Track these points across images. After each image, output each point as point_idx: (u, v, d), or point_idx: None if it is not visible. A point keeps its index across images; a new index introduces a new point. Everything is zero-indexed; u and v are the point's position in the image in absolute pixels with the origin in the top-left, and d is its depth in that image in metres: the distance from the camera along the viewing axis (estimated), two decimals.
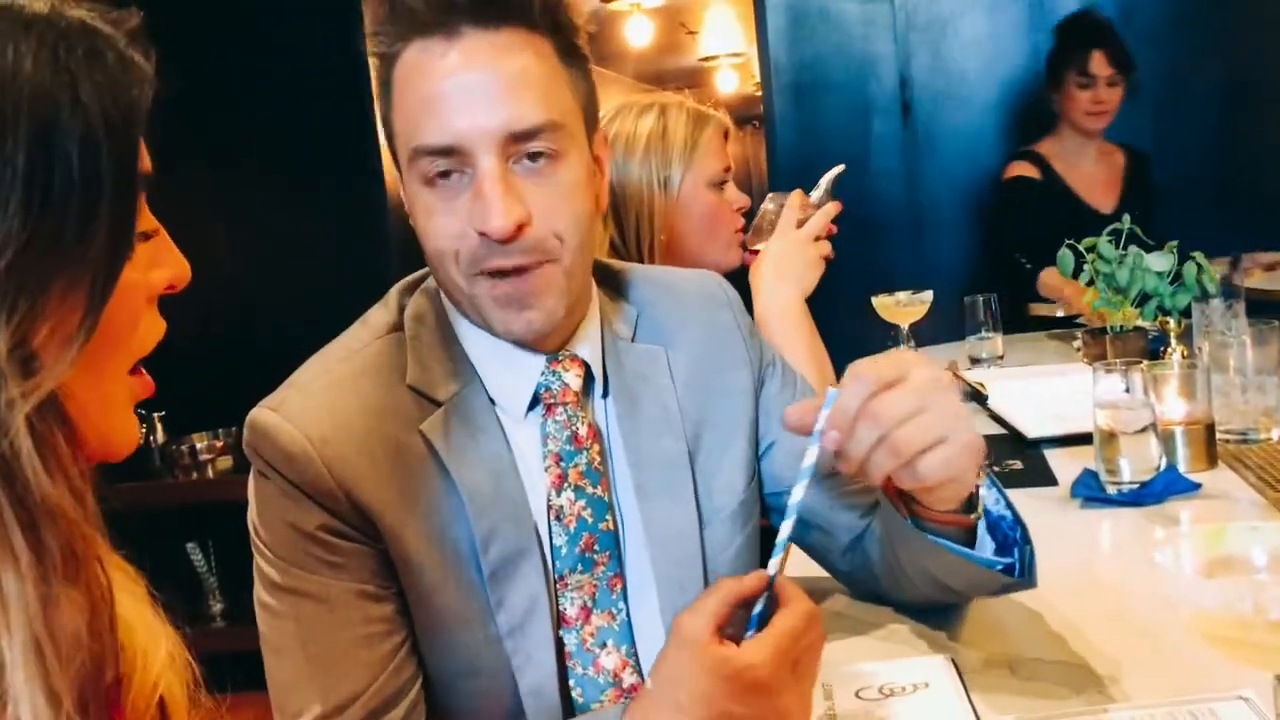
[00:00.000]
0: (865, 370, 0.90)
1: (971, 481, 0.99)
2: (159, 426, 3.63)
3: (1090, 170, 3.34)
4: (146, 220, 0.70)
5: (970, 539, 1.03)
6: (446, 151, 1.00)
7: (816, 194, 1.85)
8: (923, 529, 1.03)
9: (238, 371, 2.80)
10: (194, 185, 3.65)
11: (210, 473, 3.61)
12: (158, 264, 0.71)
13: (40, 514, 0.56)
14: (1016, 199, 3.33)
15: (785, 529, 0.86)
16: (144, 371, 0.72)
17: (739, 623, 0.85)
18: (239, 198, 3.75)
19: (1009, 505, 1.03)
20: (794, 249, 1.78)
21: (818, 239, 1.80)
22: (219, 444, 3.60)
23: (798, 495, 0.87)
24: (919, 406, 0.88)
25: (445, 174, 1.01)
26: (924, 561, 1.07)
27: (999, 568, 1.02)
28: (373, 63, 1.07)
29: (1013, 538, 1.02)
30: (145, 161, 0.67)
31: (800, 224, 1.80)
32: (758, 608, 0.85)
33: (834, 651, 1.13)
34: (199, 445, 3.61)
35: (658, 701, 0.84)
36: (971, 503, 1.02)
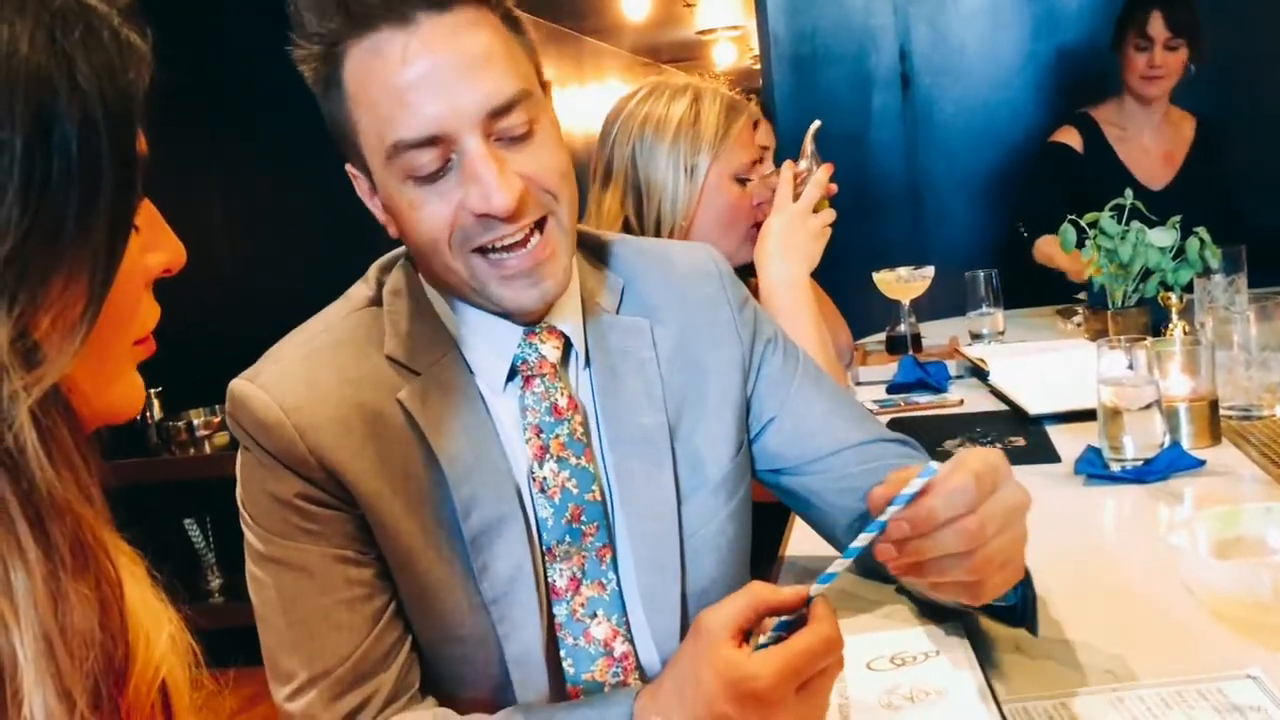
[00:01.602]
0: (968, 483, 0.85)
1: None
2: (155, 403, 3.62)
3: (1149, 141, 3.13)
4: (143, 210, 0.68)
5: None
6: (430, 141, 0.98)
7: (804, 161, 1.83)
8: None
9: (235, 347, 2.78)
10: (191, 162, 3.63)
11: (207, 449, 3.61)
12: (153, 247, 0.70)
13: (47, 509, 0.55)
14: (1049, 167, 3.16)
15: (823, 586, 0.84)
16: (148, 337, 0.71)
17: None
18: (236, 176, 3.74)
19: None
20: (794, 222, 1.76)
21: (816, 209, 1.77)
22: (215, 420, 3.59)
23: (838, 568, 0.84)
24: (1003, 526, 0.87)
25: (436, 173, 1.00)
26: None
27: (1000, 614, 1.03)
28: (307, 66, 1.03)
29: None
30: (142, 144, 0.65)
31: (796, 196, 1.78)
32: (779, 622, 0.84)
33: (841, 627, 1.13)
34: (196, 421, 3.61)
35: (668, 688, 0.87)
36: None
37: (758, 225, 1.88)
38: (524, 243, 1.03)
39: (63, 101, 0.58)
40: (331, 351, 1.07)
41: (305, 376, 1.05)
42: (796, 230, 1.76)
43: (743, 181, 1.89)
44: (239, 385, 1.05)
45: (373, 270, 1.16)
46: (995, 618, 1.05)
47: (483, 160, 0.98)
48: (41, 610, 0.53)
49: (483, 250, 1.02)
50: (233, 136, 3.62)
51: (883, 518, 0.83)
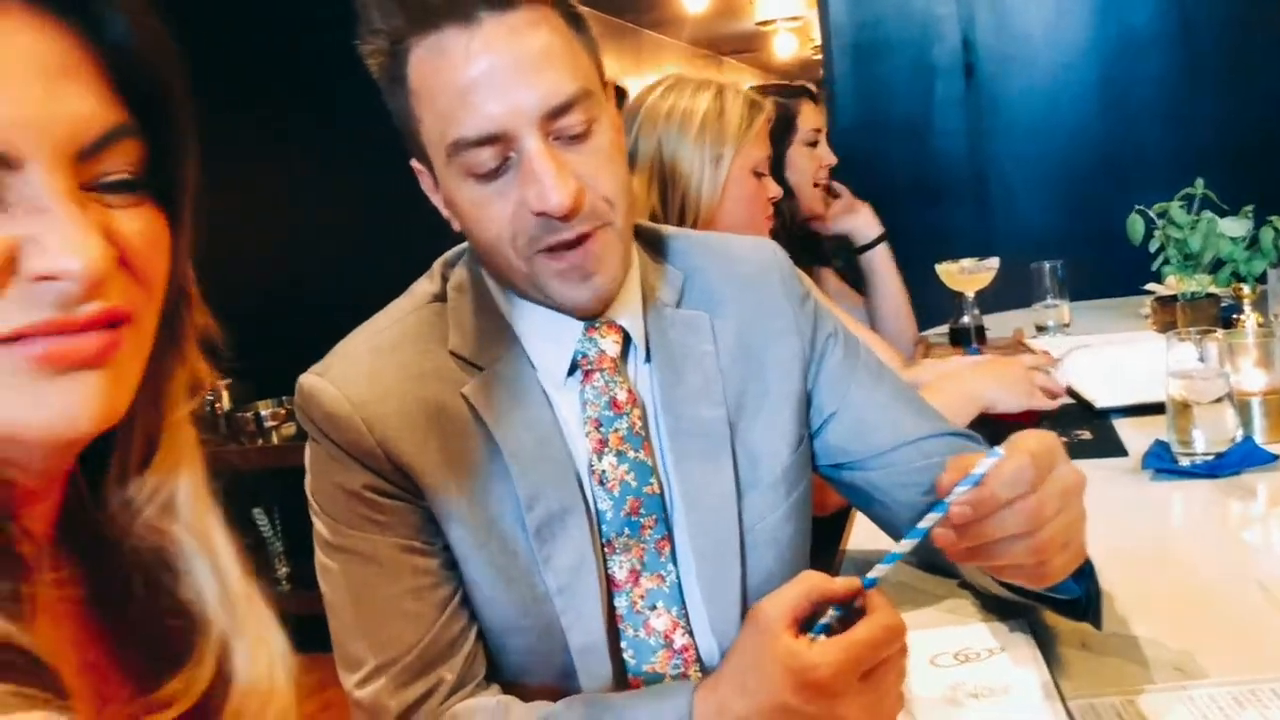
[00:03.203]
0: (1026, 464, 0.86)
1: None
2: (224, 394, 3.69)
3: None
4: None
5: None
6: (489, 140, 0.99)
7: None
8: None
9: (302, 339, 2.83)
10: (259, 156, 3.69)
11: (275, 439, 3.67)
12: None
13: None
14: None
15: (885, 568, 0.85)
16: None
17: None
18: (307, 172, 3.79)
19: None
20: (1016, 370, 1.85)
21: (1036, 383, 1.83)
22: (283, 411, 3.65)
23: (902, 548, 0.85)
24: (1060, 507, 0.88)
25: (496, 171, 1.01)
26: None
27: (1063, 607, 1.03)
28: (373, 60, 1.04)
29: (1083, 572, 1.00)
30: None
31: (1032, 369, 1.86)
32: (835, 612, 0.85)
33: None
34: (264, 413, 3.67)
35: (727, 678, 0.88)
36: None
37: (770, 218, 1.99)
38: (579, 241, 1.03)
39: None
40: (397, 347, 1.09)
41: (372, 371, 1.07)
42: (1019, 378, 1.82)
43: (759, 176, 1.96)
44: (308, 380, 1.08)
45: (437, 265, 1.18)
46: (1060, 611, 1.04)
47: (540, 159, 0.99)
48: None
49: (542, 251, 1.03)
50: (308, 133, 3.66)
51: (948, 499, 0.84)
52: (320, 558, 1.08)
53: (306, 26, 3.36)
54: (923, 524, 0.84)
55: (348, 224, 3.83)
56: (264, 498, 3.67)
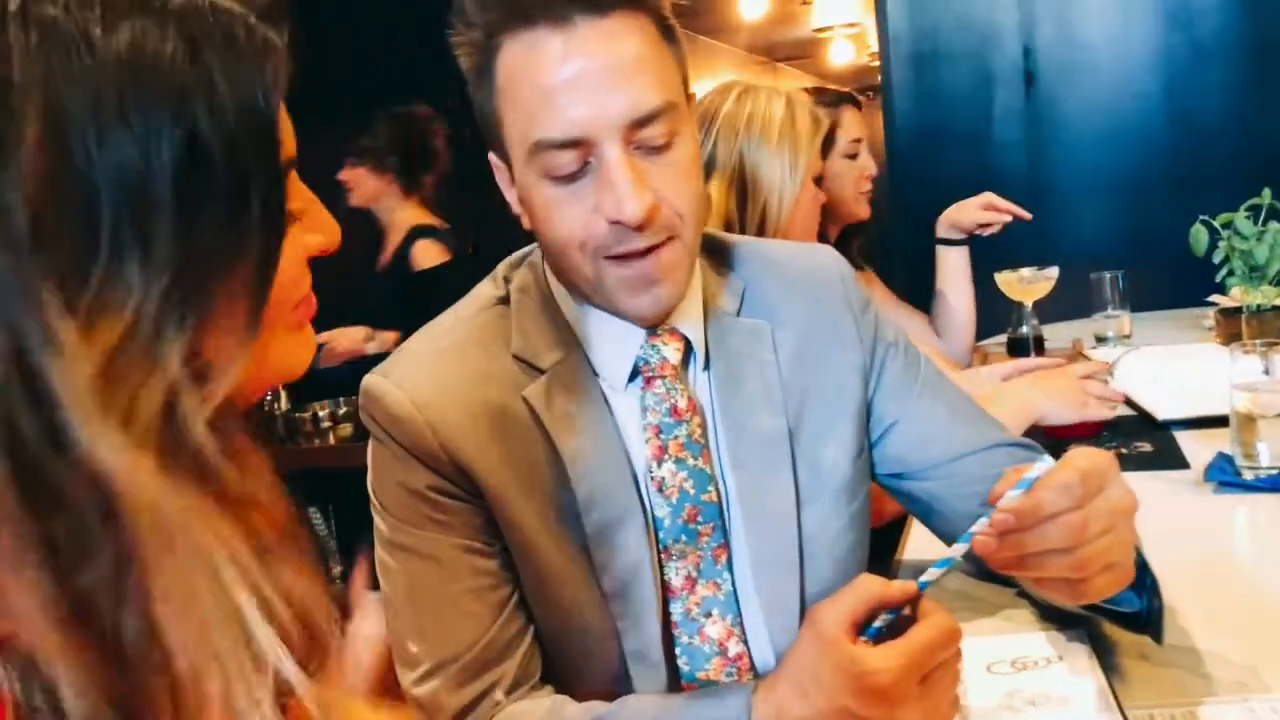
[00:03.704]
0: (1075, 479, 0.85)
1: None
2: (282, 395, 3.74)
3: None
4: (298, 196, 0.68)
5: None
6: (571, 144, 0.99)
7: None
8: None
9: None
10: (320, 158, 3.74)
11: (332, 439, 3.71)
12: (313, 228, 0.70)
13: (240, 507, 0.57)
14: None
15: (938, 571, 0.86)
16: (307, 297, 0.70)
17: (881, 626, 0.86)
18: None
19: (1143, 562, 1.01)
20: (1069, 382, 1.83)
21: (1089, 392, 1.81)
22: (340, 412, 3.70)
23: (954, 552, 0.86)
24: (1106, 527, 0.87)
25: (574, 174, 1.01)
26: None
27: (1123, 619, 1.02)
28: (462, 51, 1.05)
29: (1145, 584, 0.99)
30: (289, 145, 0.65)
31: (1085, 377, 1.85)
32: (887, 616, 0.85)
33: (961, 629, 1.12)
34: (320, 413, 3.72)
35: (785, 682, 0.89)
36: None
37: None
38: (647, 252, 1.03)
39: (205, 119, 0.56)
40: (461, 349, 1.10)
41: (435, 373, 1.08)
42: (1064, 384, 1.81)
43: (818, 182, 2.00)
44: (373, 380, 1.09)
45: (501, 268, 1.19)
46: (1119, 624, 1.03)
47: (619, 168, 0.99)
48: (257, 579, 0.56)
49: (610, 257, 1.04)
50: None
51: (998, 504, 0.84)
52: (381, 555, 1.09)
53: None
54: (974, 528, 0.85)
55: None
56: (320, 497, 3.72)
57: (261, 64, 0.61)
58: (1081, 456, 0.87)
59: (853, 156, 2.43)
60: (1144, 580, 0.97)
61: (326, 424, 3.72)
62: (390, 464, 1.08)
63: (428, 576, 1.06)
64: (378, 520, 1.10)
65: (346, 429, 3.69)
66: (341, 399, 3.65)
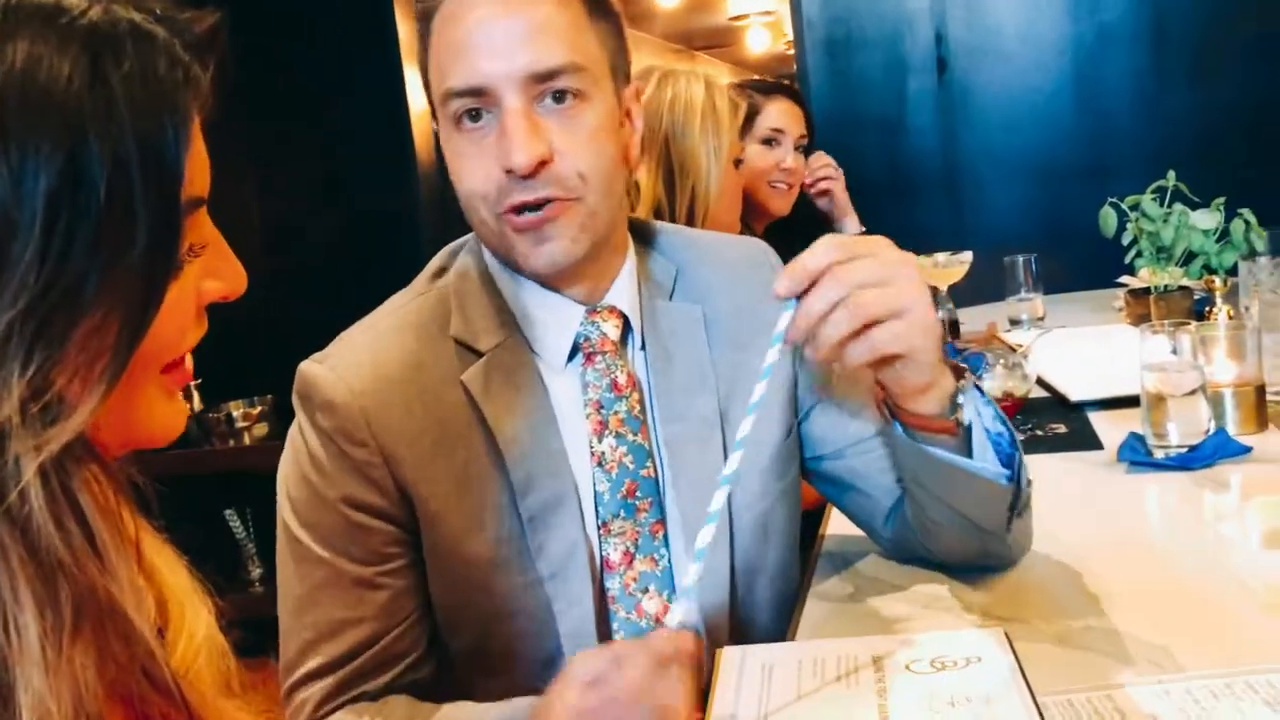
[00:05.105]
0: (837, 239, 0.94)
1: (935, 369, 1.01)
2: (195, 395, 3.65)
3: None
4: (201, 233, 0.63)
5: (967, 451, 1.06)
6: (474, 93, 1.04)
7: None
8: (921, 443, 1.06)
9: (273, 338, 2.80)
10: (227, 155, 3.65)
11: (247, 440, 3.63)
12: (212, 274, 0.65)
13: (51, 569, 0.52)
14: None
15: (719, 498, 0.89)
16: (183, 361, 0.65)
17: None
18: (274, 169, 3.75)
19: (1002, 420, 1.07)
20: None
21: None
22: (255, 411, 3.62)
23: (744, 429, 0.91)
24: (882, 278, 0.92)
25: (474, 114, 1.05)
26: (932, 485, 1.09)
27: (1003, 480, 1.06)
28: (418, 24, 1.10)
29: (1012, 454, 1.07)
30: (198, 183, 0.60)
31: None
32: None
33: (881, 619, 1.12)
34: (235, 413, 3.63)
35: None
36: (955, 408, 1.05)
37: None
38: (539, 205, 1.05)
39: (95, 145, 0.52)
40: (398, 334, 1.11)
41: (372, 359, 1.09)
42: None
43: (737, 164, 2.02)
44: (309, 367, 1.09)
45: (440, 255, 1.20)
46: (988, 506, 1.08)
47: (514, 117, 1.03)
48: (38, 672, 0.50)
49: (507, 211, 1.06)
50: (269, 130, 3.63)
51: (782, 325, 0.93)
52: (280, 547, 1.09)
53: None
54: (767, 360, 0.92)
55: (319, 222, 3.80)
56: (236, 499, 3.64)
57: (175, 96, 0.57)
58: (837, 236, 0.95)
59: (768, 143, 2.43)
60: (1015, 457, 1.06)
61: (242, 424, 3.63)
62: (309, 463, 1.07)
63: (316, 582, 1.06)
64: (283, 511, 1.09)
65: (262, 428, 3.62)
66: (256, 397, 3.57)
